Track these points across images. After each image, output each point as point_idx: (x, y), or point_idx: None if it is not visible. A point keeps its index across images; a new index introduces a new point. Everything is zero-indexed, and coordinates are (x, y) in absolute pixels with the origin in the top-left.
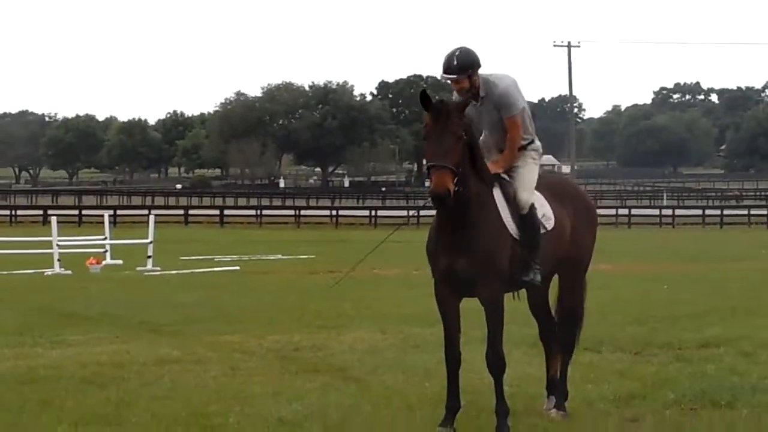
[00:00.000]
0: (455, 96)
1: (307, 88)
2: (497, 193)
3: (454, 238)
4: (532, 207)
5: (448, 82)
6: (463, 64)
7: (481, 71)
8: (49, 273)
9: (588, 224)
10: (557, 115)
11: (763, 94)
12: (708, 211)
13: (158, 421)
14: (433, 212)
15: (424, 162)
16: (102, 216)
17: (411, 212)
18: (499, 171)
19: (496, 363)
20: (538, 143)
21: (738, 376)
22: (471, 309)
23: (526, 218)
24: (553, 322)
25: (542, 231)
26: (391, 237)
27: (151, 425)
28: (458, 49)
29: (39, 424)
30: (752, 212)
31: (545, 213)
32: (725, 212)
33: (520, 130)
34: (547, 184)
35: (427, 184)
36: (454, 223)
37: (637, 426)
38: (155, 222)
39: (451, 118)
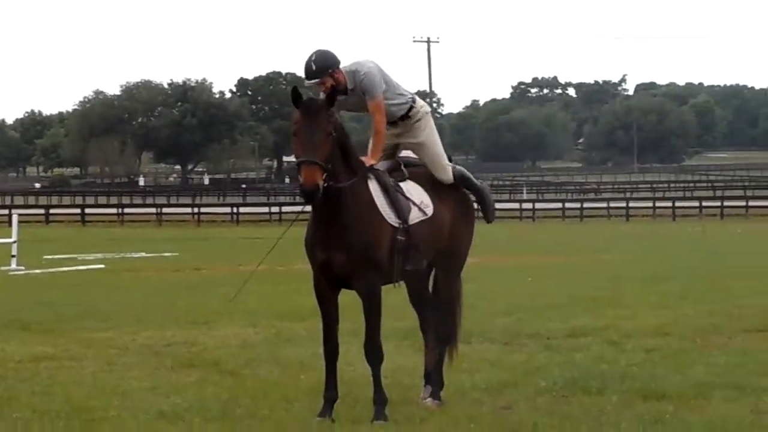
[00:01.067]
0: (322, 96)
1: (166, 86)
2: (373, 185)
3: (330, 233)
4: (455, 168)
5: (314, 86)
6: (321, 66)
7: (346, 63)
8: None
9: (466, 218)
10: None
11: (620, 88)
12: (567, 204)
13: (40, 416)
14: (308, 208)
15: (293, 158)
16: None
17: (302, 208)
18: (372, 162)
19: (374, 354)
20: (418, 104)
21: (606, 364)
22: (342, 303)
23: (457, 175)
24: (432, 313)
25: (422, 217)
26: (252, 234)
27: (33, 420)
28: (313, 53)
29: None
30: (611, 205)
31: (423, 200)
32: (585, 205)
33: (383, 113)
34: (428, 176)
35: (287, 180)
36: (330, 218)
37: (511, 413)
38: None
39: (320, 115)
